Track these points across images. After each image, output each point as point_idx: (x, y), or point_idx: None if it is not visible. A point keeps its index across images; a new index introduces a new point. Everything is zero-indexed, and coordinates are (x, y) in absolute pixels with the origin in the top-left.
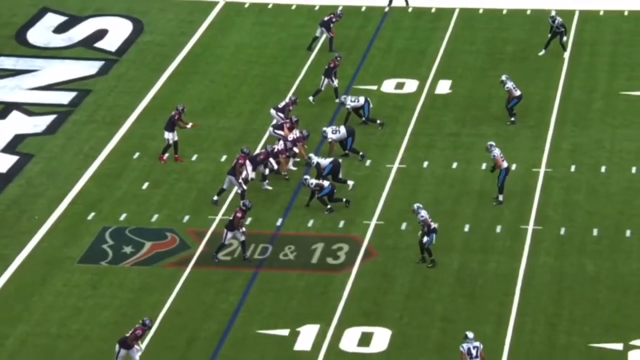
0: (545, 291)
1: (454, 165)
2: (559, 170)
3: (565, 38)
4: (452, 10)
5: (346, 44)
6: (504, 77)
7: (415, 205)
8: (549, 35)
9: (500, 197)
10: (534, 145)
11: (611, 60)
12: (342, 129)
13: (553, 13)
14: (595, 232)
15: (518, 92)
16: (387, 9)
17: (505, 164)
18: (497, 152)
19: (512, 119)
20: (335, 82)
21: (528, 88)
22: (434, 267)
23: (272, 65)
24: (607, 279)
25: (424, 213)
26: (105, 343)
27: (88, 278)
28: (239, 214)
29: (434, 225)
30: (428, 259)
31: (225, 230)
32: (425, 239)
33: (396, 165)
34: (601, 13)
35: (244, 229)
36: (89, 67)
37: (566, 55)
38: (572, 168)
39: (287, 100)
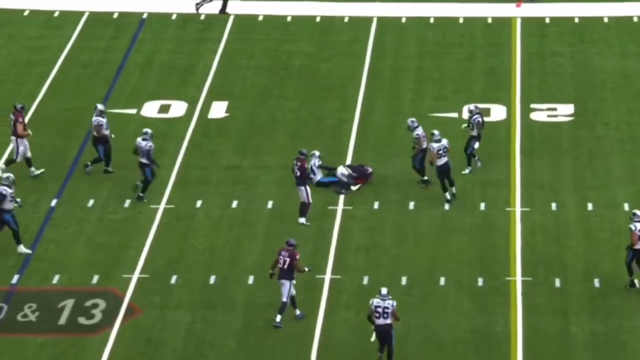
0: (346, 353)
1: (234, 204)
2: (360, 208)
3: None
4: (226, 17)
5: (95, 59)
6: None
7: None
8: None
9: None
10: None
11: (416, 77)
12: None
13: None
14: (404, 280)
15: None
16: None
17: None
18: (419, 131)
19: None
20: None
21: (320, 110)
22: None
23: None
24: (417, 333)
25: (419, 131)
26: None
27: None
28: None
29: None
30: None
31: None
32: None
33: (162, 205)
34: (403, 20)
35: None
36: None
37: (365, 70)
38: (376, 205)
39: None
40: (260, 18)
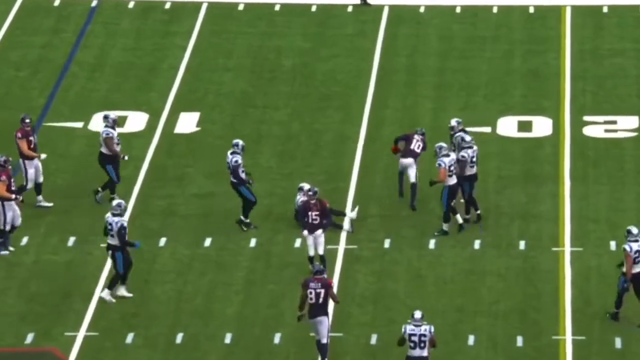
0: None
1: (207, 241)
2: (366, 247)
3: None
4: (196, 6)
5: (31, 58)
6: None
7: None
8: None
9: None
10: None
11: (438, 81)
12: None
13: None
14: None
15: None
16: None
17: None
18: (446, 160)
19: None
20: None
21: (316, 122)
22: None
23: None
24: None
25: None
26: None
27: None
28: None
29: None
30: None
31: None
32: None
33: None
34: (422, 10)
35: None
36: None
37: (373, 72)
38: (386, 243)
39: None
40: (241, 7)
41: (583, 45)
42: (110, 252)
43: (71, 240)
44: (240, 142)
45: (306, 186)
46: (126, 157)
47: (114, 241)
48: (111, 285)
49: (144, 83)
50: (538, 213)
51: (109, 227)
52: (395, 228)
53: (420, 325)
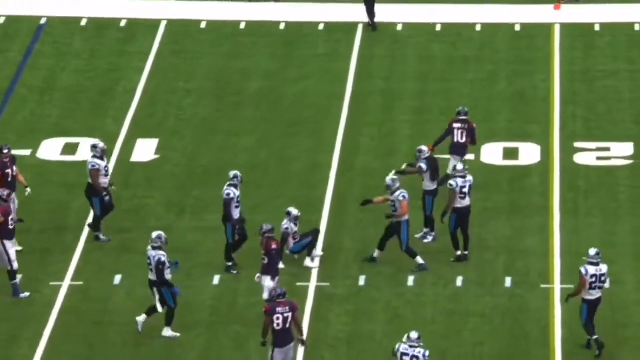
0: None
1: None
2: (340, 284)
3: None
4: (155, 24)
5: None
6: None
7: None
8: None
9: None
10: None
11: (417, 105)
12: None
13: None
14: None
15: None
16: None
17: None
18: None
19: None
20: None
21: (285, 150)
22: None
23: None
24: None
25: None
26: None
27: None
28: None
29: None
30: None
31: None
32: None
33: (67, 282)
34: (399, 28)
35: None
36: None
37: (347, 95)
38: (361, 280)
39: None
40: (203, 25)
41: (573, 66)
42: (154, 289)
43: (17, 279)
44: (234, 173)
45: (294, 211)
46: (113, 186)
47: (154, 276)
48: (168, 321)
49: (97, 107)
50: (525, 247)
51: (148, 261)
52: (371, 264)
53: (415, 347)
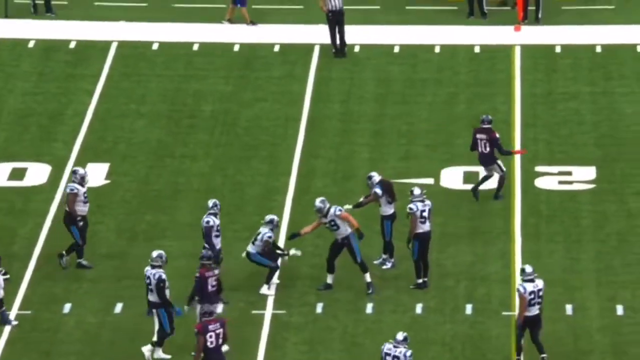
0: None
1: (117, 307)
2: (296, 312)
3: None
4: (105, 45)
5: None
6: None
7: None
8: None
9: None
10: None
11: (376, 128)
12: None
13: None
14: None
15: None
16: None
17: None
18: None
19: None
20: None
21: (240, 174)
22: None
23: None
24: None
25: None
26: None
27: None
28: None
29: None
30: None
31: None
32: None
33: (14, 311)
34: (356, 49)
35: None
36: None
37: (303, 118)
38: (319, 308)
39: None
40: (155, 46)
41: (534, 89)
42: (153, 310)
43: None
44: (213, 202)
45: (275, 218)
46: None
47: (154, 297)
48: (159, 342)
49: (46, 131)
50: (486, 274)
51: (147, 281)
52: (328, 290)
53: (398, 347)
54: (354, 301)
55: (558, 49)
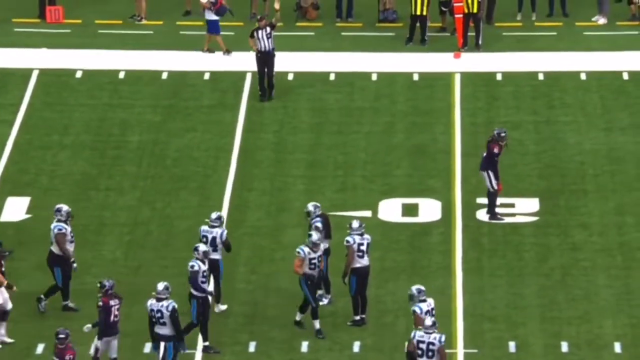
0: None
1: (39, 348)
2: (229, 350)
3: None
4: (26, 73)
5: None
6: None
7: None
8: None
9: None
10: None
11: (310, 158)
12: None
13: None
14: None
15: None
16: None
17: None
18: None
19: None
20: None
21: (169, 208)
22: None
23: None
24: None
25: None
26: None
27: None
28: None
29: None
30: None
31: None
32: None
33: None
34: (290, 77)
35: None
36: None
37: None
38: (251, 347)
39: None
40: (79, 74)
41: (475, 118)
42: (161, 344)
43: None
44: (197, 246)
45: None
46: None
47: (164, 330)
48: None
49: None
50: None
51: (158, 314)
52: (261, 329)
53: (430, 333)
54: (289, 339)
55: (499, 77)
